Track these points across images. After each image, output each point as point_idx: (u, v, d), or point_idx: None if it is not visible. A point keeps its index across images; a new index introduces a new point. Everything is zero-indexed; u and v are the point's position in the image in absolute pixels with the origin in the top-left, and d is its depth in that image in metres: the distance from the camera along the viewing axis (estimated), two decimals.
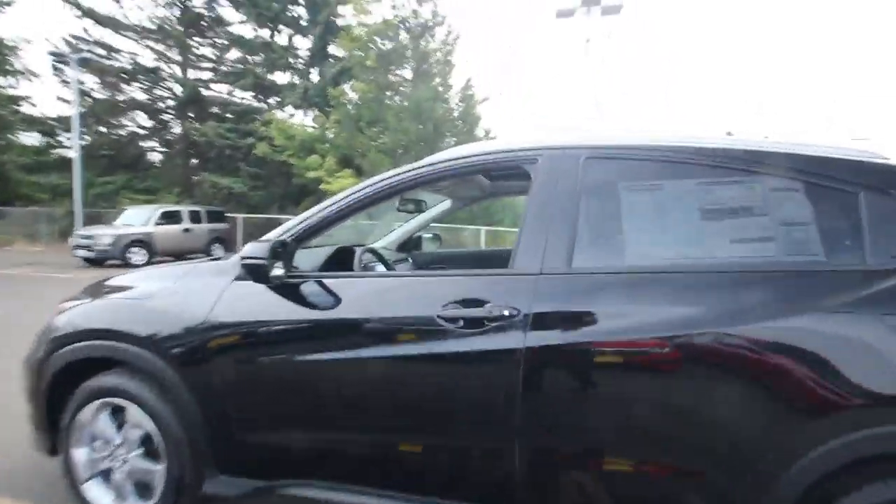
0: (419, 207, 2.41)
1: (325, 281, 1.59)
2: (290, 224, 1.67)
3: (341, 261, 2.13)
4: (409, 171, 1.64)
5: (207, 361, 1.59)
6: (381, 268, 2.36)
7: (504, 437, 1.37)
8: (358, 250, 2.16)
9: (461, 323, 1.39)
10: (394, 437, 1.50)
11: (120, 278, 1.95)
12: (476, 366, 1.40)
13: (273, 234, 1.67)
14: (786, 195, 1.31)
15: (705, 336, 1.22)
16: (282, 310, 1.56)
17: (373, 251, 2.40)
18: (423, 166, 1.65)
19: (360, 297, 1.56)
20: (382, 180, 1.64)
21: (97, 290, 1.94)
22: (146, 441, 1.70)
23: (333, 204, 1.65)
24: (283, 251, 1.55)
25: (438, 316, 1.41)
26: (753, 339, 1.19)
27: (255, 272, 1.52)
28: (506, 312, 1.36)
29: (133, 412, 1.70)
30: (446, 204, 2.86)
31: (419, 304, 1.47)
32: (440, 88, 14.45)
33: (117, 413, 1.75)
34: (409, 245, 3.06)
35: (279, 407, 1.58)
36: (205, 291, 1.64)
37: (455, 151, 1.69)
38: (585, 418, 1.33)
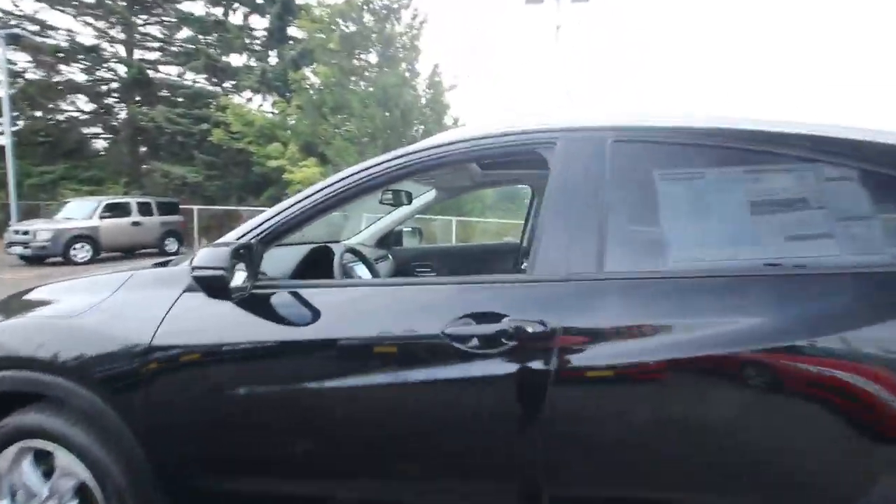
0: (404, 199, 2.13)
1: (301, 291, 1.30)
2: (256, 222, 1.37)
3: (316, 263, 1.84)
4: (400, 157, 1.37)
5: (153, 395, 1.28)
6: (362, 269, 2.08)
7: (530, 485, 1.15)
8: (337, 250, 1.86)
9: (474, 342, 1.15)
10: (392, 486, 1.25)
11: (40, 290, 1.59)
12: (493, 395, 1.16)
13: (233, 235, 1.37)
14: (858, 187, 1.13)
15: (785, 350, 1.03)
16: (248, 329, 1.27)
17: (353, 251, 2.11)
18: (416, 152, 1.38)
19: (346, 311, 1.28)
20: (368, 169, 1.36)
21: (11, 306, 1.58)
22: (81, 492, 1.38)
23: (309, 196, 1.36)
24: (247, 256, 1.26)
25: (446, 333, 1.15)
26: (836, 353, 1.02)
27: (211, 286, 1.22)
28: (529, 328, 1.12)
29: (62, 457, 1.37)
30: (430, 195, 2.60)
31: (421, 319, 1.22)
32: (407, 74, 14.01)
33: (43, 459, 1.41)
34: (389, 240, 2.79)
35: (245, 449, 1.29)
36: (148, 307, 1.32)
37: (455, 134, 1.43)
38: (633, 458, 1.11)
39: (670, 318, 1.11)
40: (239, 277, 1.23)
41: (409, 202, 2.22)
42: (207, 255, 1.20)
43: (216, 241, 1.28)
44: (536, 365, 1.12)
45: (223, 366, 1.28)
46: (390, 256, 2.79)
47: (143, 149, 18.58)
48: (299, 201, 1.36)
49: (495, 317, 1.15)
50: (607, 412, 1.12)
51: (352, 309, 1.29)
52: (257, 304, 1.28)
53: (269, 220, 1.36)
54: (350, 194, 1.35)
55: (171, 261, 1.55)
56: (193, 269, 1.21)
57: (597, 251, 1.17)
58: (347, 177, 1.36)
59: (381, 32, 13.93)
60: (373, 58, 14.42)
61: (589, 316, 1.13)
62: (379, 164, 1.35)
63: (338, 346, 1.24)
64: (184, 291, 1.32)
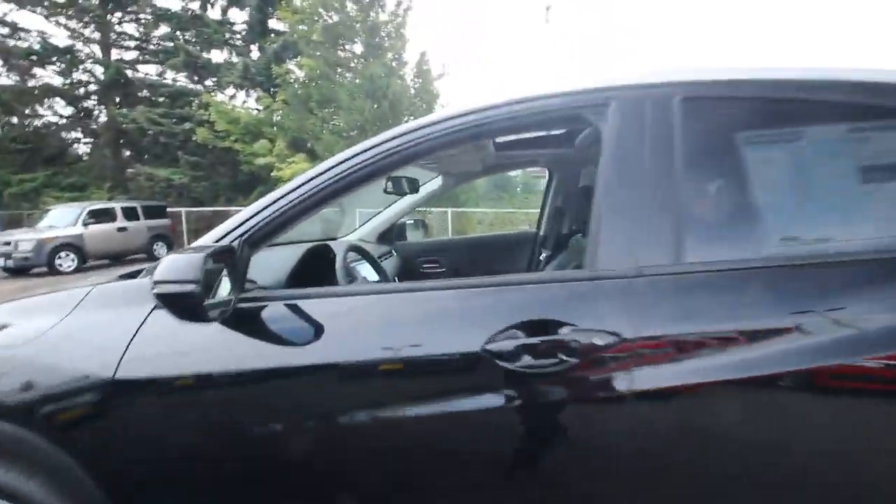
0: (412, 187, 1.86)
1: (301, 303, 1.05)
2: (239, 219, 1.11)
3: (316, 265, 1.57)
4: (420, 130, 1.11)
5: (119, 440, 1.02)
6: (367, 269, 1.82)
7: None
8: (339, 249, 1.60)
9: (525, 359, 0.90)
10: None
11: None
12: (551, 426, 0.91)
13: (211, 237, 1.10)
14: None
15: None
16: (235, 354, 1.01)
17: (357, 249, 1.83)
18: (433, 124, 1.12)
19: (357, 325, 1.03)
20: (382, 144, 1.10)
21: None
22: None
23: (308, 183, 1.10)
24: (229, 262, 1.00)
25: (487, 350, 0.91)
26: None
27: (178, 305, 0.96)
28: (597, 340, 0.88)
29: None
30: (436, 183, 2.34)
31: (454, 332, 0.97)
32: (394, 64, 13.62)
33: None
34: (392, 235, 2.53)
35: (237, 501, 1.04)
36: (109, 331, 1.06)
37: (479, 104, 1.17)
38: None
39: (783, 318, 0.87)
40: (220, 289, 0.98)
41: (416, 191, 1.96)
42: (172, 265, 0.93)
43: (188, 246, 1.01)
44: (607, 386, 0.88)
45: (207, 402, 1.02)
46: (394, 252, 2.53)
47: (127, 152, 18.07)
48: (295, 189, 1.10)
49: (550, 326, 0.91)
50: (704, 444, 0.88)
51: (364, 322, 1.03)
52: (245, 321, 1.03)
53: (255, 215, 1.10)
54: (360, 177, 1.09)
55: (140, 271, 1.28)
56: (155, 283, 0.94)
57: (674, 237, 0.93)
58: (356, 155, 1.10)
59: (365, 21, 13.51)
60: (358, 48, 14.02)
61: (673, 320, 0.89)
62: (395, 139, 1.10)
63: (350, 371, 0.99)
64: (154, 308, 1.06)
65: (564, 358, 0.88)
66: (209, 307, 0.93)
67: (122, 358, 1.01)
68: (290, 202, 1.09)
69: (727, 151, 0.98)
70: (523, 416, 0.92)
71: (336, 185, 1.10)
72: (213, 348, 1.02)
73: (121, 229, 11.35)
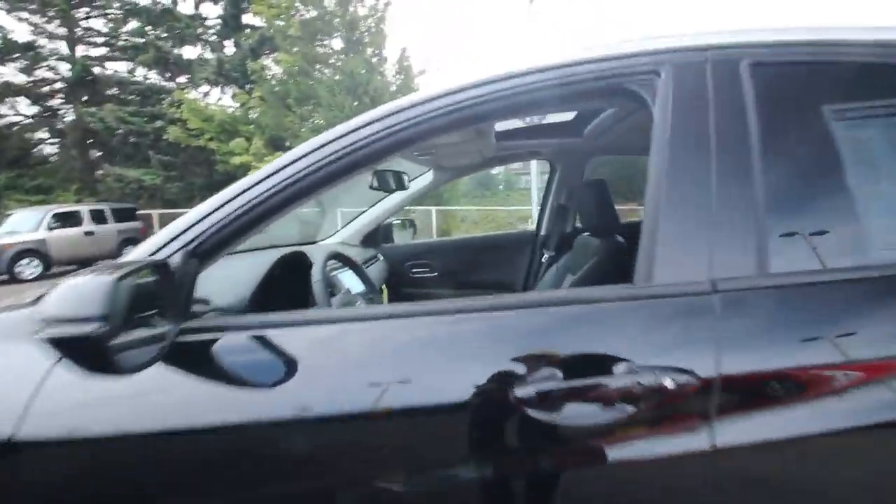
0: (399, 183, 1.61)
1: (268, 333, 0.80)
2: (183, 224, 0.85)
3: (286, 278, 1.31)
4: (410, 110, 0.87)
5: None
6: (351, 279, 1.56)
7: None
8: (317, 256, 1.33)
9: (569, 410, 0.67)
10: None
11: None
12: (605, 493, 0.68)
13: (147, 247, 0.84)
14: None
15: None
16: (178, 407, 0.75)
17: (339, 255, 1.57)
18: (431, 100, 0.88)
19: (343, 362, 0.78)
20: (364, 128, 0.86)
21: None
22: None
23: (272, 177, 0.85)
24: (165, 281, 0.75)
25: (518, 398, 0.68)
26: None
27: (77, 352, 0.70)
28: (666, 381, 0.65)
29: None
30: (427, 178, 2.10)
31: (468, 371, 0.73)
32: (375, 60, 13.32)
33: None
34: (378, 237, 2.27)
35: None
36: (4, 380, 0.79)
37: (489, 75, 0.93)
38: None
39: None
40: (151, 321, 0.72)
41: (405, 187, 1.71)
42: (68, 295, 0.67)
43: (95, 265, 0.74)
44: (681, 444, 0.65)
45: (141, 475, 0.76)
46: (381, 257, 2.28)
47: (95, 152, 17.33)
48: (257, 185, 0.85)
49: (595, 363, 0.68)
50: None
51: (353, 359, 0.78)
52: (193, 360, 0.77)
53: (205, 218, 0.84)
54: (340, 168, 0.85)
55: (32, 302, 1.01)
56: (45, 321, 0.68)
57: (755, 241, 0.71)
58: (336, 140, 0.86)
59: (344, 16, 13.17)
60: (337, 43, 13.67)
61: (766, 350, 0.67)
62: (386, 118, 0.85)
63: (333, 428, 0.74)
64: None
65: (622, 405, 0.66)
66: (120, 351, 0.66)
67: (23, 416, 0.75)
68: (252, 200, 0.84)
69: (815, 127, 0.77)
70: (564, 485, 0.69)
71: (310, 178, 0.85)
72: (144, 401, 0.76)
73: (88, 233, 10.79)
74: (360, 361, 0.76)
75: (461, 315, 0.77)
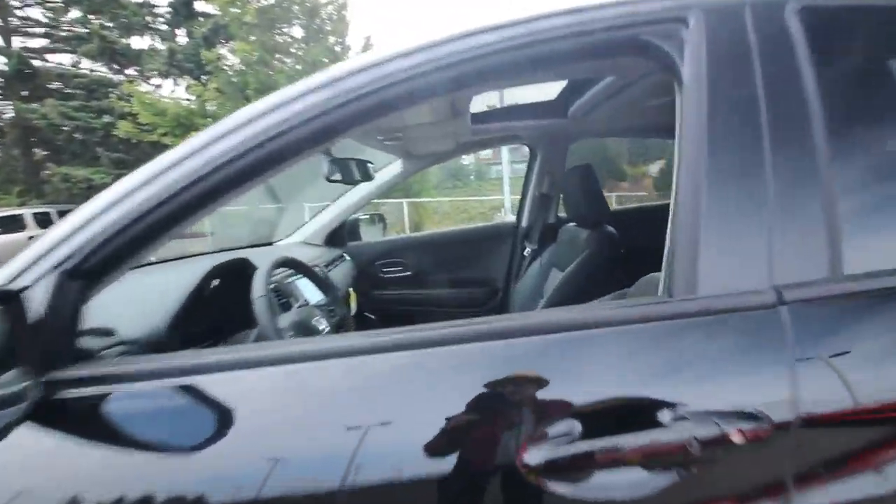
0: (363, 173, 1.39)
1: (200, 381, 0.58)
2: (60, 234, 0.62)
3: (223, 294, 1.07)
4: (381, 66, 0.67)
5: None
6: (308, 288, 1.33)
7: None
8: (262, 266, 1.07)
9: (595, 478, 0.49)
10: None
11: None
12: None
13: (8, 271, 0.61)
14: None
15: None
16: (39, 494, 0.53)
17: (289, 262, 1.30)
18: (413, 53, 0.68)
19: (293, 421, 0.57)
20: (317, 90, 0.65)
21: None
22: None
23: (188, 159, 0.64)
24: (17, 318, 0.52)
25: (527, 464, 0.49)
26: None
27: None
28: (728, 429, 0.48)
29: None
30: (395, 167, 1.89)
31: (460, 430, 0.53)
32: (338, 48, 12.88)
33: None
34: (344, 235, 2.05)
35: None
36: None
37: (477, 25, 0.72)
38: None
39: None
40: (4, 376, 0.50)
41: (370, 178, 1.50)
42: None
43: None
44: None
45: None
46: (347, 257, 2.06)
47: (41, 151, 16.21)
48: (167, 171, 0.63)
49: (630, 409, 0.50)
50: None
51: (308, 414, 0.57)
52: (71, 425, 0.55)
53: (87, 226, 0.62)
54: (281, 150, 0.64)
55: None
56: None
57: (826, 236, 0.54)
58: (273, 110, 0.65)
59: (304, 3, 12.65)
60: (297, 32, 13.15)
61: (859, 380, 0.50)
62: (361, 73, 0.65)
63: None
64: None
65: (677, 468, 0.48)
66: None
67: None
68: (158, 195, 0.62)
69: (885, 84, 0.60)
70: None
71: (237, 164, 0.63)
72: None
73: (32, 238, 10.07)
74: (319, 419, 0.55)
75: (429, 349, 0.57)
